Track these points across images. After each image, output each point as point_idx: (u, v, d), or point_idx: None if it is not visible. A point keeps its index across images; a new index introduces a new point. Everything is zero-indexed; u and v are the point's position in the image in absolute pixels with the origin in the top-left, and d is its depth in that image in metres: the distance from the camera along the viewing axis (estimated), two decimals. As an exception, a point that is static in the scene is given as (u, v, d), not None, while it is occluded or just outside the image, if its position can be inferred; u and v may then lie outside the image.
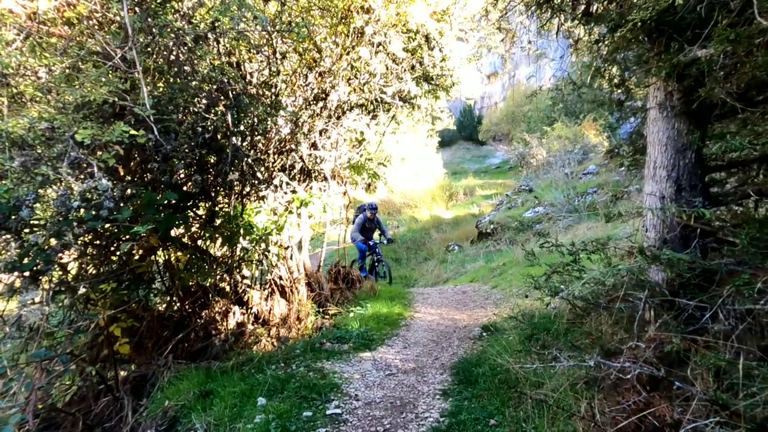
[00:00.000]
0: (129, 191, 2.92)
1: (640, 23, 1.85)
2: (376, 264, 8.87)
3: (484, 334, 4.61)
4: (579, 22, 2.49)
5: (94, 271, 2.99)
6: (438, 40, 6.05)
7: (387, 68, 6.07)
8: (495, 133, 31.42)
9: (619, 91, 2.80)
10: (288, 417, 2.74)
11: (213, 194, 3.79)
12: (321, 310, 5.36)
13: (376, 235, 8.84)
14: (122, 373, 3.09)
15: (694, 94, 1.76)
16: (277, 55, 4.41)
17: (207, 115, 3.41)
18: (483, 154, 31.58)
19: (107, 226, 2.74)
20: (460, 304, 6.67)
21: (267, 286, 4.56)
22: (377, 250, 8.74)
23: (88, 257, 2.95)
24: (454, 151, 32.21)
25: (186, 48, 3.41)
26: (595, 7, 2.40)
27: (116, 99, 2.62)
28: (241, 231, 4.02)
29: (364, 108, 6.12)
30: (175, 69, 3.16)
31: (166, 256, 3.46)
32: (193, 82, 3.31)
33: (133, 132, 2.62)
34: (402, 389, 3.40)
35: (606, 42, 2.28)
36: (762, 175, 1.82)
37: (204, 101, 3.50)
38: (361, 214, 8.59)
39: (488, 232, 14.06)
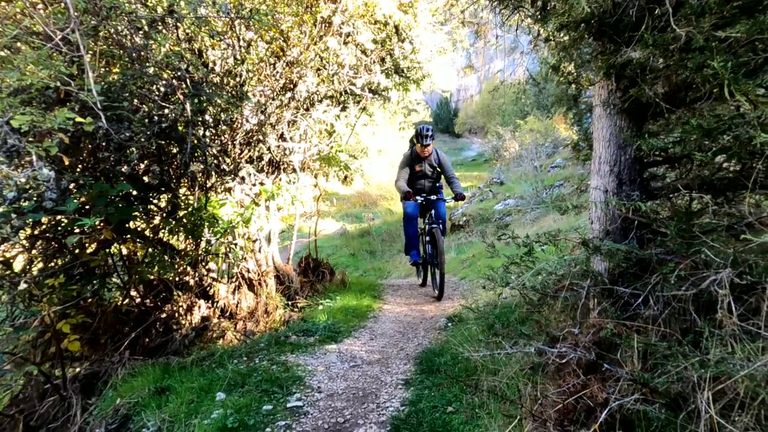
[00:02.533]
0: (77, 182, 2.80)
1: (584, 24, 1.92)
2: (429, 249, 5.32)
3: (449, 324, 4.69)
4: (534, 20, 2.54)
5: (41, 266, 2.87)
6: (407, 32, 6.04)
7: (357, 59, 6.03)
8: (471, 125, 31.74)
9: (573, 87, 2.88)
10: (247, 411, 2.74)
11: (174, 186, 3.69)
12: (290, 303, 5.32)
13: (448, 191, 5.57)
14: (72, 371, 3.00)
15: (629, 94, 1.84)
16: (242, 42, 4.31)
17: (164, 104, 3.31)
18: (459, 146, 31.90)
19: (52, 217, 2.63)
20: (428, 296, 6.75)
21: (234, 279, 4.51)
22: (438, 212, 5.27)
23: (36, 251, 2.83)
24: None
25: (142, 33, 3.29)
26: (552, 4, 2.44)
27: (59, 84, 2.50)
28: (205, 223, 3.95)
29: (333, 99, 6.07)
30: (128, 54, 3.04)
31: (125, 250, 3.36)
32: (150, 69, 3.19)
33: (79, 119, 2.52)
34: (365, 380, 3.43)
35: (556, 39, 2.35)
36: (690, 171, 1.94)
37: (162, 89, 3.39)
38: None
39: (461, 224, 14.28)
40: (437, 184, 5.65)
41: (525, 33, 3.61)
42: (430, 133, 5.28)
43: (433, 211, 5.50)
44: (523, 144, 19.30)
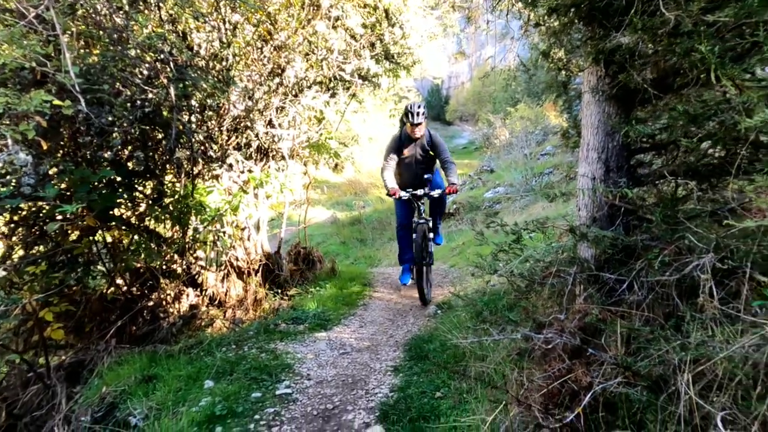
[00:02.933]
0: (58, 167, 2.72)
1: (574, 8, 1.89)
2: (423, 253, 4.49)
3: (439, 311, 4.72)
4: (525, 4, 2.50)
5: (22, 253, 2.80)
6: (397, 16, 5.94)
7: (346, 44, 5.91)
8: (462, 113, 31.64)
9: (563, 74, 2.87)
10: (236, 399, 2.74)
11: (159, 172, 3.61)
12: (280, 291, 5.31)
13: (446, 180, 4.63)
14: (57, 360, 2.96)
15: (617, 80, 1.84)
16: (227, 25, 4.19)
17: (147, 88, 3.21)
18: (450, 134, 31.81)
19: (33, 204, 2.56)
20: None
21: (223, 267, 4.46)
22: (433, 204, 4.72)
23: (16, 238, 2.76)
24: None
25: (122, 12, 3.17)
26: (542, -11, 2.40)
27: (35, 64, 2.40)
28: (192, 211, 3.89)
29: (322, 85, 5.96)
30: (107, 35, 2.93)
31: (110, 237, 3.29)
32: (131, 51, 3.09)
33: (56, 102, 2.43)
34: (355, 367, 3.45)
35: (546, 24, 2.33)
36: (676, 158, 1.95)
37: (144, 72, 3.29)
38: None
39: (451, 212, 14.34)
40: (430, 172, 4.67)
41: (516, 18, 3.56)
42: (421, 110, 4.30)
43: (422, 206, 4.64)
44: (513, 131, 19.32)
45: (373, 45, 6.64)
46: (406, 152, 4.60)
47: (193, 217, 3.79)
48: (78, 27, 2.80)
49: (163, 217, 3.57)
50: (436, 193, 4.43)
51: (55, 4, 2.34)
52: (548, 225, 2.61)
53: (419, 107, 4.38)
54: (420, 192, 4.49)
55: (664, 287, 1.65)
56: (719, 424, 1.06)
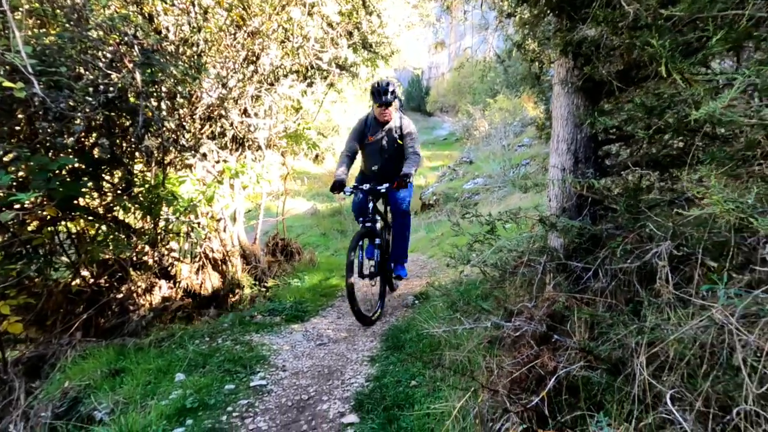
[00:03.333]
0: (11, 154, 2.58)
1: (543, -1, 1.91)
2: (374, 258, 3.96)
3: (416, 302, 4.74)
4: (498, -6, 2.50)
5: (-24, 245, 2.67)
6: (375, 4, 5.87)
7: (323, 32, 5.81)
8: (442, 104, 31.71)
9: (537, 65, 2.89)
10: (208, 391, 2.70)
11: (127, 161, 3.48)
12: (257, 283, 5.25)
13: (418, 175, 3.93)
14: (15, 354, 2.84)
15: (584, 72, 1.87)
16: (197, 8, 4.05)
17: (110, 72, 3.08)
18: (431, 125, 31.85)
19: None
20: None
21: (198, 259, 4.37)
22: (393, 202, 4.02)
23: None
24: None
25: (82, -8, 3.01)
26: (516, -21, 2.40)
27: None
28: (163, 201, 3.78)
29: (299, 74, 5.86)
30: (64, 14, 2.78)
31: (75, 227, 3.16)
32: (92, 32, 2.95)
33: (7, 83, 2.30)
34: (331, 358, 3.45)
35: (519, 15, 2.34)
36: (640, 149, 2.01)
37: (108, 55, 3.14)
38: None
39: (431, 203, 14.45)
40: (400, 167, 3.80)
41: (491, 9, 3.56)
42: (390, 88, 3.69)
43: (389, 205, 4.05)
44: (492, 123, 19.53)
45: (350, 34, 6.56)
46: (371, 138, 3.89)
47: (165, 208, 3.68)
48: (31, 4, 2.65)
49: (132, 208, 3.45)
50: (383, 187, 3.66)
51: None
52: (521, 215, 2.66)
53: (388, 85, 3.71)
54: (365, 186, 3.75)
55: (626, 274, 1.71)
56: (668, 401, 1.11)
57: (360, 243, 3.71)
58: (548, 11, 1.94)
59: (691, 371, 1.16)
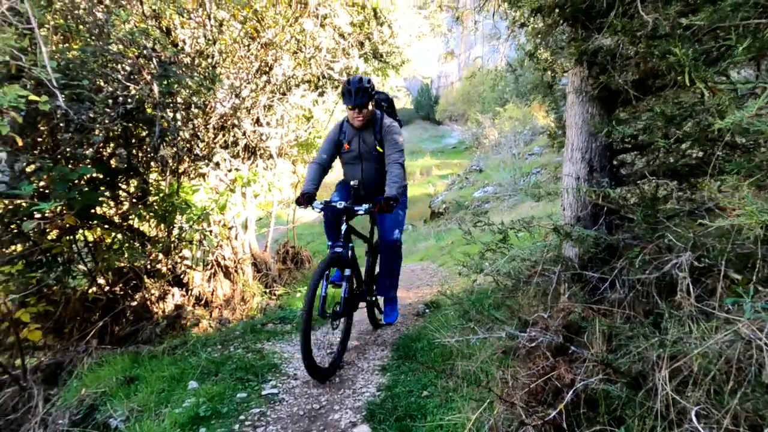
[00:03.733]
0: (35, 164, 2.65)
1: (557, 9, 1.91)
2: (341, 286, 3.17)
3: (427, 310, 4.69)
4: (510, 4, 2.52)
5: (-2, 253, 2.73)
6: (386, 15, 5.94)
7: (334, 42, 5.89)
8: (451, 113, 31.77)
9: (549, 74, 2.89)
10: (221, 399, 2.70)
11: (143, 170, 3.55)
12: (268, 290, 5.27)
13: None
14: (34, 361, 2.89)
15: (600, 81, 1.86)
16: (213, 21, 4.14)
17: (129, 84, 3.16)
18: (440, 133, 31.90)
19: (9, 202, 2.49)
20: (407, 283, 6.69)
21: (210, 266, 4.41)
22: (381, 227, 3.40)
23: (-9, 238, 2.68)
24: (412, 131, 32.27)
25: (102, 6, 3.11)
26: (528, -10, 2.41)
27: (9, 58, 2.34)
28: (177, 210, 3.84)
29: (311, 84, 5.94)
30: (87, 29, 2.87)
31: (91, 236, 3.22)
32: (113, 46, 3.03)
33: (32, 97, 2.37)
34: (342, 366, 3.41)
35: (532, 25, 2.34)
36: (657, 158, 1.99)
37: (127, 68, 3.23)
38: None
39: (440, 211, 14.42)
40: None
41: (503, 19, 3.59)
42: (364, 85, 2.95)
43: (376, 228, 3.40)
44: (502, 131, 19.50)
45: (361, 44, 6.63)
46: (348, 146, 3.20)
47: (178, 216, 3.73)
48: (56, 20, 2.74)
49: (147, 216, 3.51)
50: (361, 209, 2.92)
51: (30, -3, 2.28)
52: (534, 224, 2.63)
53: (360, 81, 2.92)
54: (340, 205, 2.92)
55: (644, 285, 1.68)
56: (693, 418, 1.08)
57: (327, 272, 2.91)
58: (562, 21, 1.95)
59: (717, 387, 1.12)
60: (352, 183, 3.32)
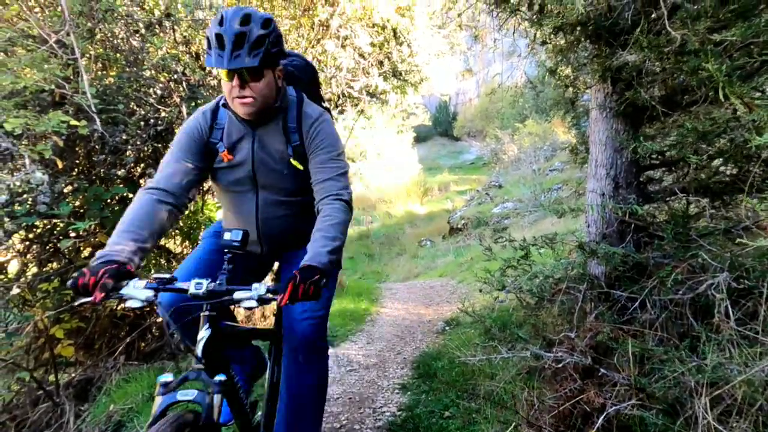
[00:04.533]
0: (72, 185, 2.78)
1: (580, 26, 1.91)
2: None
3: (447, 328, 4.64)
4: (531, 23, 2.54)
5: (35, 270, 2.85)
6: (405, 35, 6.06)
7: (355, 62, 6.02)
8: (470, 129, 31.82)
9: (570, 90, 2.88)
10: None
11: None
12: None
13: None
14: (66, 377, 2.97)
15: (625, 97, 1.84)
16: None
17: (160, 107, 3.31)
18: (458, 149, 31.94)
19: (47, 221, 2.62)
20: (427, 299, 6.73)
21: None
22: (289, 329, 1.60)
23: (30, 255, 2.81)
24: (430, 147, 32.44)
25: (138, 36, 3.29)
26: (548, 8, 2.44)
27: (54, 86, 2.49)
28: (202, 227, 3.96)
29: (331, 102, 6.06)
30: (124, 57, 3.04)
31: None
32: (146, 72, 3.19)
33: (73, 122, 2.51)
34: (362, 385, 3.40)
35: (553, 42, 2.35)
36: (687, 174, 1.93)
37: (158, 92, 3.39)
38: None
39: (459, 227, 14.32)
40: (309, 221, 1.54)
41: (522, 36, 3.62)
42: (260, 31, 1.39)
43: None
44: (521, 147, 19.34)
45: (381, 63, 6.75)
46: (229, 156, 1.61)
47: (202, 233, 3.82)
48: (96, 50, 2.91)
49: (173, 233, 3.61)
50: (248, 297, 1.26)
51: (75, 29, 2.43)
52: (557, 241, 2.58)
53: (244, 21, 1.39)
54: (197, 289, 1.28)
55: (677, 306, 1.62)
56: (739, 451, 1.02)
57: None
58: (584, 38, 1.95)
59: (765, 418, 1.06)
60: (232, 234, 1.43)
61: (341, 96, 6.18)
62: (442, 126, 34.21)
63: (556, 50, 2.23)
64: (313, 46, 5.20)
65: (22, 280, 2.69)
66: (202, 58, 4.18)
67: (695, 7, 1.51)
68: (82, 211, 2.84)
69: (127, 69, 3.09)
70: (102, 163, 2.94)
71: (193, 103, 3.67)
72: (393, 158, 20.91)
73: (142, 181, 3.56)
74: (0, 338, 2.51)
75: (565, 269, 2.41)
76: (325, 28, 5.08)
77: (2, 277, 2.66)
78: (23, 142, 2.50)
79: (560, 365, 1.84)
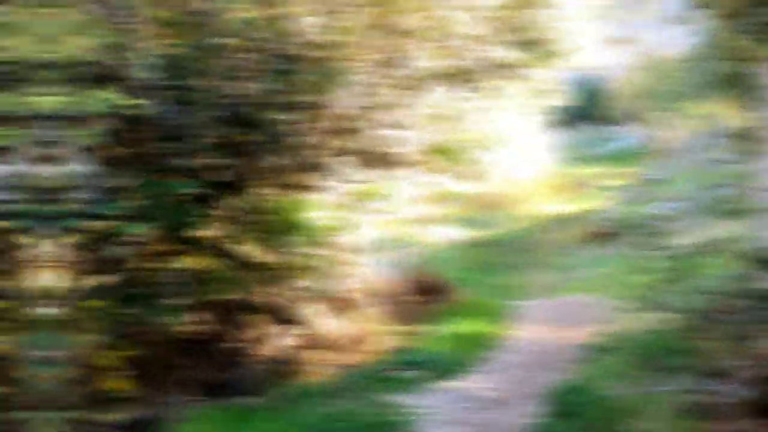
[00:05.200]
0: (126, 179, 2.36)
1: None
2: None
3: (587, 355, 4.19)
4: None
5: (88, 283, 2.44)
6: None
7: (481, 29, 5.03)
8: (623, 111, 27.95)
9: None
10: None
11: (250, 184, 3.20)
12: (394, 328, 4.79)
13: None
14: (119, 416, 2.58)
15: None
16: (338, 9, 3.65)
17: (240, 83, 2.75)
18: (608, 136, 28.65)
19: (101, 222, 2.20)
20: (560, 320, 6.07)
21: (326, 299, 4.06)
22: None
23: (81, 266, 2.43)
24: (574, 133, 29.74)
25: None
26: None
27: (100, 57, 2.03)
28: (290, 231, 3.48)
29: (451, 78, 5.18)
30: (197, 22, 2.52)
31: (186, 263, 2.89)
32: (216, 39, 2.65)
33: (123, 101, 2.04)
34: (484, 427, 3.01)
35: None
36: None
37: (241, 64, 2.85)
38: None
39: (607, 231, 12.30)
40: None
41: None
42: None
43: None
44: (685, 134, 15.80)
45: (515, 30, 5.72)
46: None
47: (289, 238, 3.36)
48: (161, 13, 2.43)
49: (252, 239, 3.14)
50: None
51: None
52: (722, 249, 2.55)
53: None
54: None
55: None
56: None
57: None
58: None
59: None
60: None
61: (465, 72, 5.29)
62: (588, 108, 30.61)
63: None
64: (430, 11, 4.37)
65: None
66: (296, 24, 3.57)
67: None
68: (141, 211, 2.37)
69: (199, 38, 2.56)
70: (165, 154, 2.45)
71: (282, 78, 3.05)
72: (526, 147, 19.05)
73: (214, 173, 3.05)
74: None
75: (732, 283, 2.36)
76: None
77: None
78: (70, 128, 2.08)
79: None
